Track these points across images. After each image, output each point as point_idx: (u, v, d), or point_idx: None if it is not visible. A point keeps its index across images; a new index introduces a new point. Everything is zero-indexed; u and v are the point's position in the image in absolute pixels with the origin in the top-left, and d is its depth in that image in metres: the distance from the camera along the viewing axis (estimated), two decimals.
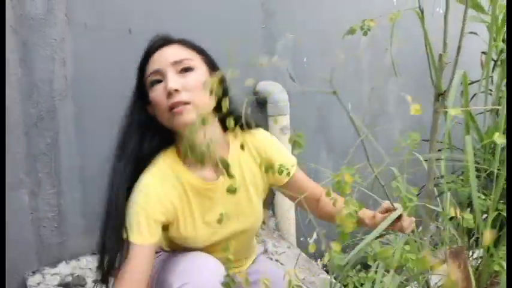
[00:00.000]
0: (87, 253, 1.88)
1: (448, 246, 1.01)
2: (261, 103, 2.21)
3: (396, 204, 1.01)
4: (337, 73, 2.17)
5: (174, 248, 1.13)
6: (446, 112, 1.00)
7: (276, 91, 2.14)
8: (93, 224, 1.88)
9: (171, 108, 0.96)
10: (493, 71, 1.50)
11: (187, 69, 1.00)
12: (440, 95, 0.93)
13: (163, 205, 0.99)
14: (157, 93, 0.99)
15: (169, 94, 0.96)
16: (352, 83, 2.52)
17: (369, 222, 1.04)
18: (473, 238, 1.19)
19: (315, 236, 2.52)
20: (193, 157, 0.73)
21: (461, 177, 1.20)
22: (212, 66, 1.05)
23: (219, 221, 0.79)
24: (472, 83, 1.50)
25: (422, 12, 1.00)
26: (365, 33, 0.90)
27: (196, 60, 1.02)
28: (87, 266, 1.82)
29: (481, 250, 1.09)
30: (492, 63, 1.49)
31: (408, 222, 0.98)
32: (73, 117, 1.77)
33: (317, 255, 2.61)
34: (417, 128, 2.92)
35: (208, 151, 0.74)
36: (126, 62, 1.85)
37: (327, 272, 2.09)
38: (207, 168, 1.04)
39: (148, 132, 1.03)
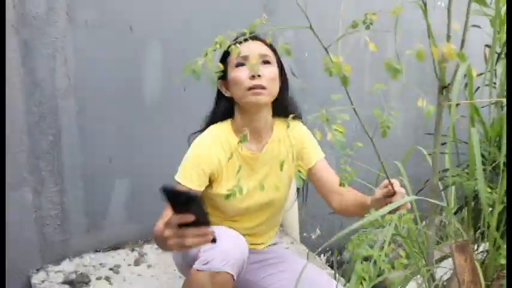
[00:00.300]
0: (90, 250, 1.88)
1: (453, 240, 1.00)
2: None
3: (393, 180, 1.05)
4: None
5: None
6: (450, 105, 0.99)
7: None
8: (96, 222, 1.91)
9: (251, 88, 1.16)
10: (496, 64, 1.49)
11: (267, 62, 1.21)
12: (444, 88, 0.92)
13: (210, 159, 1.20)
14: (241, 74, 1.18)
15: (252, 77, 1.16)
16: (353, 78, 2.51)
17: (371, 203, 1.12)
18: (478, 231, 1.18)
19: (318, 231, 2.52)
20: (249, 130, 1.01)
21: (466, 170, 1.19)
22: (281, 64, 1.27)
23: (261, 187, 0.92)
24: (478, 75, 1.49)
25: (425, 5, 0.99)
26: (367, 27, 0.89)
27: (273, 57, 1.24)
28: (90, 263, 1.82)
29: (487, 244, 1.08)
30: (496, 56, 1.48)
31: (399, 196, 1.04)
32: (75, 115, 1.77)
33: (326, 251, 2.61)
34: (420, 123, 2.93)
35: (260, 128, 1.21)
36: (128, 59, 1.87)
37: (331, 267, 2.09)
38: (253, 142, 1.25)
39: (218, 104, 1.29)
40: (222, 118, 1.27)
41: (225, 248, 1.06)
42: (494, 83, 1.58)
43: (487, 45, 2.07)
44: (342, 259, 2.66)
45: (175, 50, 1.90)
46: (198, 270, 1.06)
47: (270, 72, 1.19)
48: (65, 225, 1.81)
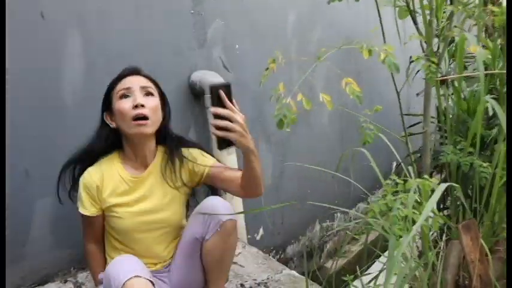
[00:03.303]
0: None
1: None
2: (196, 95, 2.02)
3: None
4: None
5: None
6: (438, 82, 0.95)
7: (213, 81, 1.98)
8: (14, 252, 1.55)
9: (135, 118, 1.27)
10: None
11: (149, 94, 1.33)
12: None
13: (93, 186, 1.34)
14: (124, 105, 1.28)
15: (135, 106, 1.27)
16: (282, 70, 2.45)
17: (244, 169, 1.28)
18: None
19: (261, 231, 2.41)
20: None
21: (458, 146, 1.19)
22: (162, 96, 1.39)
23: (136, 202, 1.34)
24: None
25: None
26: None
27: (155, 89, 1.35)
28: None
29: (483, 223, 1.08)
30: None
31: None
32: None
33: (270, 250, 2.51)
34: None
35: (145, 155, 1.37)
36: (40, 50, 1.56)
37: (287, 266, 2.00)
38: (137, 167, 1.38)
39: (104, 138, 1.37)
40: (104, 147, 1.37)
41: (115, 268, 1.18)
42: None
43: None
44: (286, 255, 2.60)
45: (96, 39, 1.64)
46: None
47: (152, 102, 1.31)
48: None
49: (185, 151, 1.42)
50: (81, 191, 1.34)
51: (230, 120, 1.14)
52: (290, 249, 2.61)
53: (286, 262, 2.58)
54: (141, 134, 1.29)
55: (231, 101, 1.15)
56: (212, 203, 1.37)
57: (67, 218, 1.63)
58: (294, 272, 1.83)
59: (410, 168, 1.19)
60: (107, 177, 1.34)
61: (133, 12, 1.77)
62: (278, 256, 2.54)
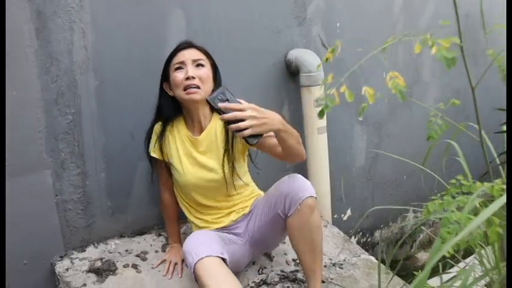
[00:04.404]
0: (116, 236, 1.79)
1: None
2: (292, 73, 2.05)
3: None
4: (372, 38, 1.99)
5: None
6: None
7: (309, 60, 1.98)
8: (120, 205, 1.79)
9: (186, 88, 1.46)
10: None
11: (199, 65, 1.49)
12: None
13: (163, 135, 1.58)
14: (178, 77, 1.47)
15: (187, 78, 1.46)
16: (389, 49, 2.34)
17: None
18: None
19: (349, 212, 2.40)
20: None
21: None
22: (214, 65, 1.55)
23: (194, 160, 1.54)
24: None
25: None
26: None
27: (206, 61, 1.52)
28: (116, 249, 1.73)
29: None
30: None
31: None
32: (95, 91, 1.64)
33: (356, 232, 2.50)
34: (453, 96, 2.76)
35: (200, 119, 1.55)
36: (147, 27, 1.73)
37: (364, 249, 1.98)
38: (195, 129, 1.57)
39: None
40: (167, 113, 1.57)
41: (190, 246, 1.38)
42: None
43: None
44: (373, 240, 2.55)
45: (197, 17, 1.76)
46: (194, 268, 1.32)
47: (203, 73, 1.48)
48: (88, 209, 1.70)
49: None
50: (153, 136, 1.60)
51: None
52: (378, 233, 2.55)
53: (372, 246, 2.54)
54: (192, 101, 1.47)
55: (231, 101, 1.26)
56: (292, 179, 1.45)
57: None
58: (371, 258, 1.81)
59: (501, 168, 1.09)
60: (172, 134, 1.57)
61: None
62: (364, 239, 2.51)
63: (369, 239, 2.53)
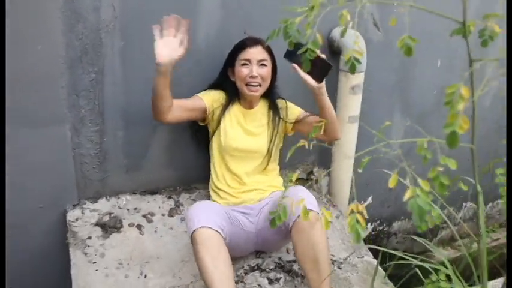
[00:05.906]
0: (128, 192, 1.85)
1: None
2: (334, 52, 1.90)
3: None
4: (428, 24, 1.74)
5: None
6: None
7: (352, 42, 1.81)
8: (135, 163, 1.83)
9: (247, 84, 1.63)
10: None
11: (263, 65, 1.64)
12: None
13: (220, 98, 1.71)
14: (243, 72, 1.62)
15: (251, 77, 1.62)
16: (444, 36, 2.09)
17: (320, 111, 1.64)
18: None
19: (369, 200, 2.33)
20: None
21: None
22: (275, 65, 1.69)
23: (245, 131, 1.71)
24: None
25: None
26: None
27: (269, 60, 1.66)
28: (126, 205, 1.80)
29: None
30: None
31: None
32: (119, 51, 1.61)
33: (374, 220, 2.44)
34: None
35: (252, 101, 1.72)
36: (181, 2, 1.63)
37: (381, 240, 1.93)
38: (246, 106, 1.72)
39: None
40: (231, 95, 1.70)
41: (194, 212, 1.45)
42: None
43: None
44: (390, 230, 2.49)
45: None
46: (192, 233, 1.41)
47: (265, 73, 1.63)
48: (103, 164, 1.75)
49: (283, 102, 1.78)
50: (215, 94, 1.70)
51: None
52: (397, 224, 2.48)
53: (388, 236, 2.49)
54: (251, 96, 1.67)
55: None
56: (295, 191, 1.44)
57: (182, 144, 1.84)
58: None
59: None
60: (227, 104, 1.70)
61: None
62: (381, 227, 2.45)
63: (386, 229, 2.47)
